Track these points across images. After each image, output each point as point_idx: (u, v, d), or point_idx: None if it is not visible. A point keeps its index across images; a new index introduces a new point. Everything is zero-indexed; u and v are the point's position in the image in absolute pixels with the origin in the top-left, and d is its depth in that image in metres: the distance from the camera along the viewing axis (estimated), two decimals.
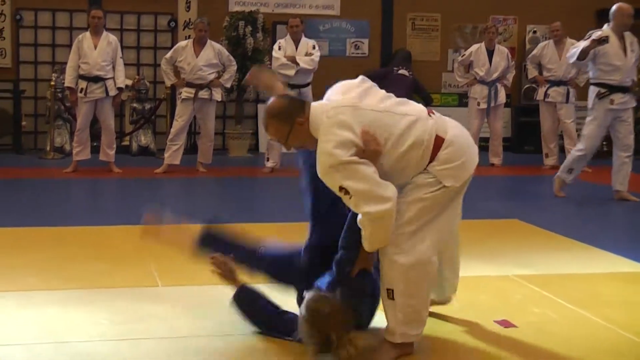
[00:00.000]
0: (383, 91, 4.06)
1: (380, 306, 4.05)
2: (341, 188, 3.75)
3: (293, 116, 3.92)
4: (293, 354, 4.00)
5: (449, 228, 4.07)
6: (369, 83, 4.07)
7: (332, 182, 3.79)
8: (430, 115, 3.96)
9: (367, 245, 3.87)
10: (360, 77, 4.13)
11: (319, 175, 3.84)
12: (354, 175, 3.73)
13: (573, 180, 9.19)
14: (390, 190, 3.74)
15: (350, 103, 3.88)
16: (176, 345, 4.09)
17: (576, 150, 9.13)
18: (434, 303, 4.55)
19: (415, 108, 4.00)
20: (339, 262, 4.03)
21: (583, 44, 8.69)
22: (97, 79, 10.33)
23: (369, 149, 3.77)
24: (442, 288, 4.45)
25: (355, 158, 3.73)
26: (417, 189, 3.88)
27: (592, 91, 8.81)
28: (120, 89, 10.59)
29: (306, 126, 3.90)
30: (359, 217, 3.81)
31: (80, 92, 10.33)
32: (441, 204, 3.92)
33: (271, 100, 4.07)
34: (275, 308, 4.23)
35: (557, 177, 9.24)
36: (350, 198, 3.75)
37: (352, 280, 4.02)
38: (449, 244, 4.27)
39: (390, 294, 3.90)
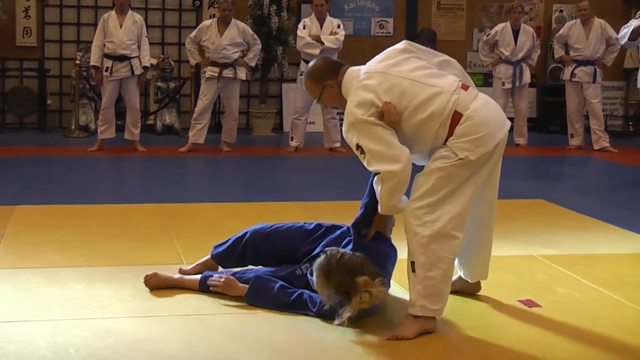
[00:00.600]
0: (422, 62, 4.14)
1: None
2: (358, 146, 3.97)
3: (324, 79, 4.18)
4: (317, 329, 4.02)
5: (472, 206, 4.07)
6: (410, 53, 4.16)
7: (350, 139, 4.00)
8: (460, 90, 4.00)
9: (380, 206, 4.02)
10: (404, 42, 4.24)
11: (343, 133, 4.06)
12: (370, 135, 3.92)
13: None
14: (403, 154, 3.89)
15: (380, 69, 4.07)
16: (200, 323, 4.12)
17: None
18: (463, 291, 4.57)
19: (445, 81, 4.06)
20: (356, 222, 4.24)
21: (635, 23, 8.55)
22: (122, 58, 10.34)
23: (387, 119, 3.92)
24: (469, 270, 4.47)
25: (373, 119, 3.93)
26: (434, 161, 3.98)
27: None
28: (145, 68, 10.61)
29: (336, 89, 4.15)
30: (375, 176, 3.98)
31: (106, 71, 10.35)
32: (459, 177, 3.95)
33: (313, 60, 4.35)
34: (288, 293, 4.28)
35: None
36: (364, 158, 3.96)
37: (367, 243, 4.18)
38: (480, 228, 4.30)
39: (413, 266, 3.97)
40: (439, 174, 3.93)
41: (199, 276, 4.61)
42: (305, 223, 4.65)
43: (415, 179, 3.98)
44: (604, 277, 5.08)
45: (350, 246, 4.24)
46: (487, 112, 4.03)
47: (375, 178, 3.98)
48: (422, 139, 3.99)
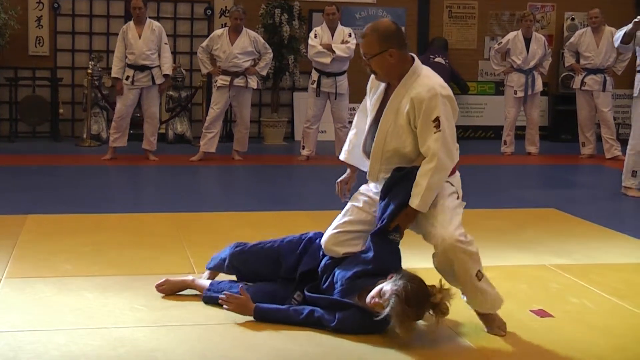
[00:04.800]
0: None
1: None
2: (436, 118, 3.94)
3: (391, 44, 4.03)
4: (331, 340, 4.02)
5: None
6: None
7: (433, 108, 3.95)
8: None
9: (420, 198, 3.97)
10: None
11: (425, 94, 3.95)
12: (450, 119, 3.99)
13: None
14: (457, 155, 4.10)
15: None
16: (212, 332, 4.12)
17: (629, 150, 8.53)
18: None
19: None
20: (382, 229, 4.12)
21: (628, 26, 8.56)
22: (143, 68, 10.38)
23: None
24: None
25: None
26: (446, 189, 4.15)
27: (638, 79, 8.44)
28: (166, 76, 10.63)
29: (394, 61, 4.04)
30: (421, 168, 3.97)
31: (126, 79, 10.38)
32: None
33: (386, 19, 4.22)
34: (299, 311, 4.23)
35: (626, 189, 8.57)
36: (435, 133, 3.93)
37: (386, 234, 4.11)
38: None
39: (479, 274, 4.05)
40: (455, 197, 4.16)
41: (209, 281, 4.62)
42: (287, 237, 4.58)
43: (443, 205, 4.04)
44: (616, 286, 5.06)
45: (370, 253, 4.15)
46: None
47: (427, 165, 3.95)
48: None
